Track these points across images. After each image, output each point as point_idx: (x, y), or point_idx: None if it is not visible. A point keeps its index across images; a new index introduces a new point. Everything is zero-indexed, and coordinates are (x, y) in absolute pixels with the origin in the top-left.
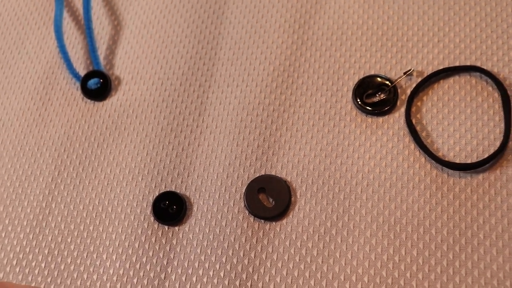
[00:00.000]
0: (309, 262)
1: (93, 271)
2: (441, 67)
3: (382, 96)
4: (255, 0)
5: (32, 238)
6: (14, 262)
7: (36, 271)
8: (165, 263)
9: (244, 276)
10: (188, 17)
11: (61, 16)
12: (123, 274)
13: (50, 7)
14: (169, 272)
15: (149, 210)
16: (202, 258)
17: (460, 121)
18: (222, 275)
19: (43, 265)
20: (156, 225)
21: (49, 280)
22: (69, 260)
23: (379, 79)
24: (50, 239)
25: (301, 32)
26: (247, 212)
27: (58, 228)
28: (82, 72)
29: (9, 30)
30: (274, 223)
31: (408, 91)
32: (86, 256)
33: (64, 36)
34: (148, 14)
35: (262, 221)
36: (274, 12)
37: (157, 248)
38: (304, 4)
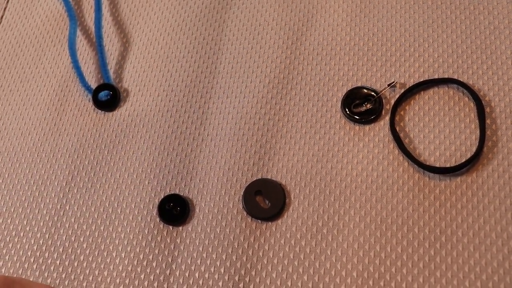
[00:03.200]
0: (302, 259)
1: (104, 267)
2: (421, 80)
3: (369, 106)
4: (252, 18)
5: (48, 237)
6: (32, 260)
7: (52, 268)
8: (170, 260)
9: (242, 271)
10: (190, 34)
11: (75, 35)
12: (131, 270)
13: (65, 26)
14: (174, 268)
15: (155, 211)
16: (204, 255)
17: (440, 128)
18: (222, 271)
19: (58, 262)
20: (161, 225)
21: (63, 276)
22: (81, 258)
23: (365, 90)
24: (64, 238)
25: (294, 48)
26: (245, 213)
27: (72, 228)
28: (93, 85)
29: (27, 48)
30: (270, 223)
31: (392, 102)
32: (98, 254)
33: (77, 53)
34: (154, 32)
35: (259, 221)
36: (269, 30)
37: (162, 246)
38: (297, 22)
